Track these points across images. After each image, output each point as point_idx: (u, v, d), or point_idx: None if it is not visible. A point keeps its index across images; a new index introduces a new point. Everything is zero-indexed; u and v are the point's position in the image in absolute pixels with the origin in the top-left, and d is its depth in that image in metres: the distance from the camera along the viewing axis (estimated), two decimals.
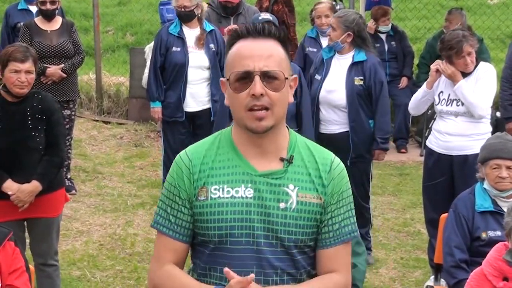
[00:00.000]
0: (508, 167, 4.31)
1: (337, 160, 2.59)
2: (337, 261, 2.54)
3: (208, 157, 2.51)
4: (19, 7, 8.34)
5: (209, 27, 6.95)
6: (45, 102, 4.65)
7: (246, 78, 2.41)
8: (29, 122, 4.58)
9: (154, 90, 6.92)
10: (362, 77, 5.73)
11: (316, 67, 5.92)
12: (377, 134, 5.81)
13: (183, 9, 6.78)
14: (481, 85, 5.38)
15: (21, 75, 4.50)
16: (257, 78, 2.39)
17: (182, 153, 2.57)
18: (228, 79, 2.45)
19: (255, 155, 2.49)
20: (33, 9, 8.17)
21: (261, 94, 2.38)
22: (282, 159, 2.49)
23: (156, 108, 6.98)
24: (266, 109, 2.40)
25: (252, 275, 2.37)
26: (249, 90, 2.39)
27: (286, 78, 2.44)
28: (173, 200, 2.52)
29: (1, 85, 4.61)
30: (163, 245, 2.55)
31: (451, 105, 5.44)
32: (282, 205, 2.46)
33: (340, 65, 5.81)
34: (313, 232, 2.51)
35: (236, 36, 2.49)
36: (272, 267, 2.47)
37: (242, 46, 2.45)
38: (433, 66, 5.53)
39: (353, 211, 2.60)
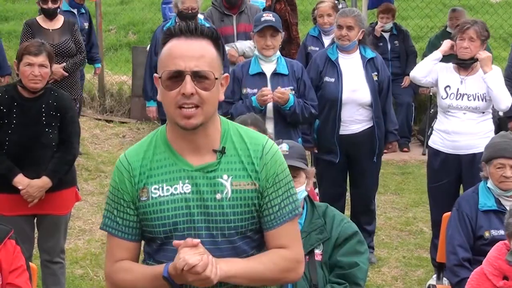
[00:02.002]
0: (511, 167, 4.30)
1: (269, 143, 2.62)
2: (284, 238, 2.59)
3: (146, 158, 2.58)
4: (63, 8, 8.29)
5: (205, 24, 6.97)
6: (61, 100, 4.71)
7: (177, 77, 2.46)
8: (43, 118, 4.63)
9: (149, 89, 6.95)
10: (376, 73, 5.77)
11: (320, 70, 5.75)
12: (391, 126, 5.90)
13: (190, 11, 6.80)
14: (500, 81, 5.40)
15: (34, 69, 4.56)
16: (188, 78, 2.44)
17: (121, 156, 2.64)
18: (160, 77, 2.50)
19: (190, 151, 2.55)
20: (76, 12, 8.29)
21: (192, 94, 2.44)
22: (215, 151, 2.55)
23: (151, 108, 7.02)
24: (196, 107, 2.46)
25: (198, 240, 2.45)
26: (180, 88, 2.45)
27: (216, 78, 2.49)
28: (118, 203, 2.60)
29: (18, 81, 4.67)
30: (114, 245, 2.64)
31: (462, 99, 5.39)
32: (218, 196, 2.53)
33: (350, 63, 5.76)
34: (252, 216, 2.58)
35: (169, 34, 2.53)
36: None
37: (175, 45, 2.50)
38: (448, 42, 5.53)
39: (293, 190, 2.64)
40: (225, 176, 2.54)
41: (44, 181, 4.63)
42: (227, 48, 7.40)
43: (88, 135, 9.47)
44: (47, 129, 4.64)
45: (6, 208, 4.62)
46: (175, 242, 2.46)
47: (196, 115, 2.46)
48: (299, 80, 5.52)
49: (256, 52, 5.56)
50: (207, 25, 6.97)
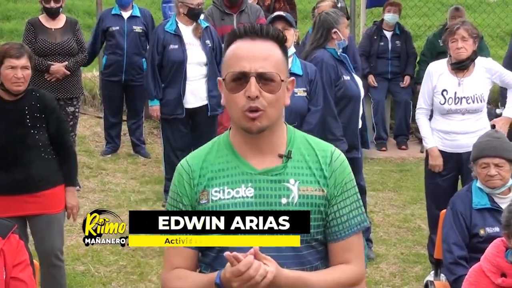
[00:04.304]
0: (496, 165, 4.33)
1: (338, 151, 2.55)
2: (350, 252, 2.51)
3: (208, 161, 2.51)
4: (113, 12, 8.44)
5: (204, 23, 7.04)
6: (43, 101, 4.68)
7: (242, 78, 2.38)
8: (28, 120, 4.61)
9: (152, 88, 6.97)
10: None
11: (337, 69, 5.65)
12: None
13: (200, 7, 6.89)
14: (509, 78, 5.53)
15: (17, 71, 4.54)
16: (252, 80, 2.37)
17: (183, 161, 2.57)
18: (224, 79, 2.43)
19: (254, 155, 2.47)
20: (125, 15, 8.36)
21: (257, 96, 2.36)
22: (280, 156, 2.48)
23: (155, 107, 7.02)
24: (261, 110, 2.38)
25: (254, 249, 2.31)
26: (245, 91, 2.37)
27: (283, 81, 2.43)
28: (177, 207, 2.52)
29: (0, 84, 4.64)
30: (172, 252, 2.54)
31: (460, 103, 5.43)
32: (284, 200, 2.43)
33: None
34: (318, 225, 2.48)
35: (234, 36, 2.46)
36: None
37: (239, 47, 2.43)
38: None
39: (361, 202, 2.57)
40: (291, 181, 2.44)
41: (72, 194, 4.78)
42: None
43: (89, 133, 9.50)
44: (32, 131, 4.61)
45: None
46: (226, 253, 2.29)
47: (261, 118, 2.38)
48: (311, 82, 5.45)
49: None
50: (206, 24, 7.05)
